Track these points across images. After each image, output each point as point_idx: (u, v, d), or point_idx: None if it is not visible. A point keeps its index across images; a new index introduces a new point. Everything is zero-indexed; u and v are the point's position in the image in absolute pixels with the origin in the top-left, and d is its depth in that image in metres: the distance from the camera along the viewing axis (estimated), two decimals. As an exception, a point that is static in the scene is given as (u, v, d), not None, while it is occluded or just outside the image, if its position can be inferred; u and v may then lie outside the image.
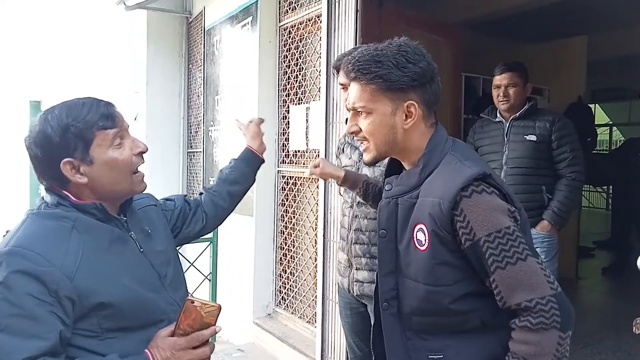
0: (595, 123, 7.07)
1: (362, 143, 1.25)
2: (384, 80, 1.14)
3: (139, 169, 1.18)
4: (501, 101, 2.67)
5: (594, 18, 4.73)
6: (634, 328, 1.55)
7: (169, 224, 1.41)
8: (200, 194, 1.58)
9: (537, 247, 2.25)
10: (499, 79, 2.69)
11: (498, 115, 2.73)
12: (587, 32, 4.89)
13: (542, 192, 2.58)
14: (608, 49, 5.54)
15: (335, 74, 2.04)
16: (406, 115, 1.17)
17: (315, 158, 3.30)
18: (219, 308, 1.08)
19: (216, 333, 1.09)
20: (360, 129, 1.21)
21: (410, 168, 1.22)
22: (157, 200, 1.42)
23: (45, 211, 1.08)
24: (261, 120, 1.75)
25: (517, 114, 2.64)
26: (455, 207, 1.08)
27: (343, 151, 2.08)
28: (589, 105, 5.71)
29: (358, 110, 1.20)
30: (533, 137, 2.58)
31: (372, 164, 1.27)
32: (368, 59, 1.16)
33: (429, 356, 1.16)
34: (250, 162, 1.65)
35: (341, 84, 1.94)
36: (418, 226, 1.14)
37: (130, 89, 5.14)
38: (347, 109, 1.26)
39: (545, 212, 2.57)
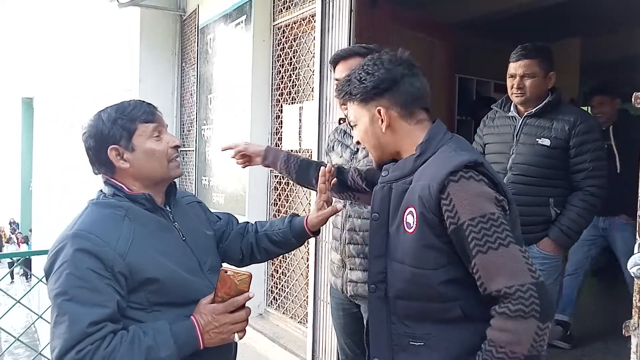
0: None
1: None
2: (350, 95, 1.28)
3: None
4: (515, 94, 2.25)
5: (588, 20, 4.75)
6: (623, 330, 1.56)
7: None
8: (252, 225, 1.67)
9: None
10: (514, 67, 2.25)
11: (512, 109, 2.32)
12: (580, 35, 4.91)
13: (550, 205, 2.17)
14: (601, 52, 5.56)
15: (332, 70, 2.02)
16: (381, 120, 1.26)
17: (303, 153, 3.29)
18: (250, 276, 1.22)
19: (250, 299, 1.23)
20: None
21: (408, 156, 1.27)
22: (200, 200, 1.64)
23: (102, 201, 1.29)
24: (337, 210, 1.63)
25: (533, 111, 2.23)
26: (443, 190, 1.11)
27: (333, 149, 2.04)
28: (582, 107, 5.73)
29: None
30: (546, 142, 2.17)
31: (378, 167, 1.36)
32: (345, 79, 1.31)
33: (410, 342, 1.20)
34: (301, 238, 1.65)
35: (336, 80, 1.93)
36: (408, 209, 1.18)
37: (123, 86, 5.11)
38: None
39: (551, 228, 2.16)
